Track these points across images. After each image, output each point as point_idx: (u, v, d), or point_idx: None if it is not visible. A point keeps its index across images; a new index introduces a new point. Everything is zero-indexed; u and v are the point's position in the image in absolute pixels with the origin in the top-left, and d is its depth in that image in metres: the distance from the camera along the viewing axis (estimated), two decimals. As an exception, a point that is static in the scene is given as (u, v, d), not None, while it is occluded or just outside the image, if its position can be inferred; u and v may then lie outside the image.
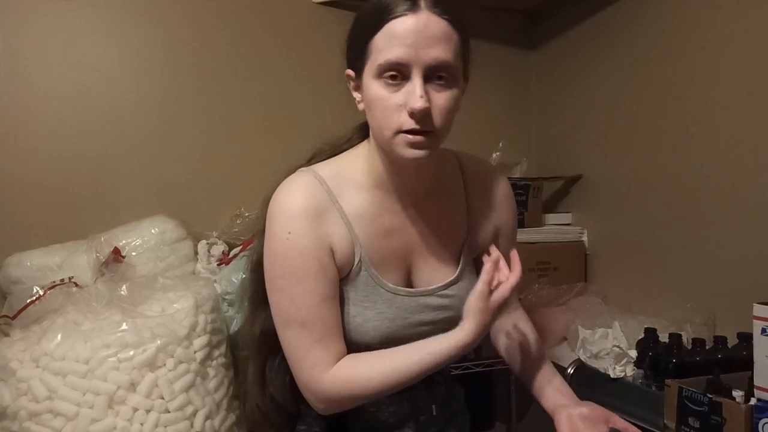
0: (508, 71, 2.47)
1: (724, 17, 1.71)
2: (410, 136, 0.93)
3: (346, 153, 1.09)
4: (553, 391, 1.11)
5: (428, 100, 0.91)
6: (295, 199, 1.00)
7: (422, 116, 0.91)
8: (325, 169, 1.04)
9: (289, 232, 0.98)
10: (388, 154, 0.99)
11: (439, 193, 1.08)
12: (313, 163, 1.09)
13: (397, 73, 0.92)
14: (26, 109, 1.93)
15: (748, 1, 1.64)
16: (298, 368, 1.01)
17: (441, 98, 0.93)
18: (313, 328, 0.99)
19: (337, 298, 1.02)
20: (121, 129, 2.02)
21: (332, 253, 1.01)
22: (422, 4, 0.91)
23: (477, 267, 1.15)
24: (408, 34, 0.90)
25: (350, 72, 1.01)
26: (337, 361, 1.00)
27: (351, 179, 1.04)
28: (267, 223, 1.02)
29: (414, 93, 0.90)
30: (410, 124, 0.92)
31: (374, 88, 0.94)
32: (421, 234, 1.07)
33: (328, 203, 1.01)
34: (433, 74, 0.92)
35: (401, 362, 0.98)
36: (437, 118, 0.93)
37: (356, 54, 0.97)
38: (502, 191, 1.15)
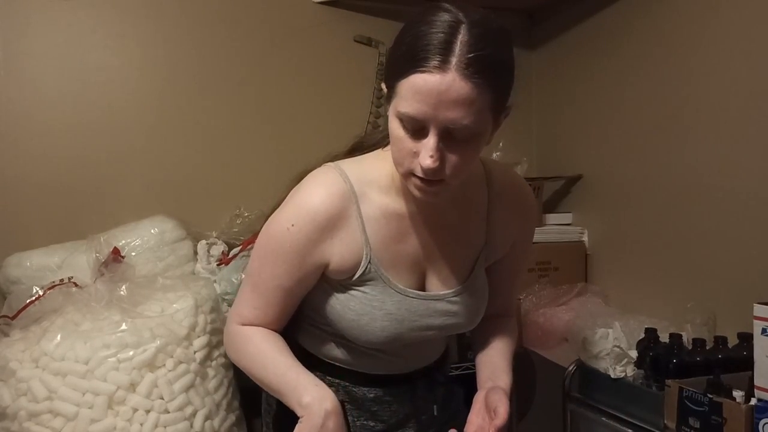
0: (508, 71, 2.47)
1: (723, 17, 1.71)
2: (419, 183, 0.93)
3: (374, 154, 1.09)
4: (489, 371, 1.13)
5: (440, 157, 0.90)
6: (315, 198, 1.01)
7: (431, 172, 0.90)
8: (353, 168, 1.04)
9: (293, 224, 1.00)
10: None
11: (460, 202, 1.07)
12: (355, 155, 1.10)
13: (414, 125, 0.90)
14: (26, 109, 1.93)
15: (748, 1, 1.64)
16: (233, 307, 1.11)
17: (455, 155, 0.91)
18: (258, 297, 1.06)
19: (297, 292, 1.06)
20: (121, 129, 2.02)
21: (324, 265, 1.02)
22: (453, 62, 0.85)
23: (487, 275, 1.15)
24: (429, 94, 0.86)
25: (384, 88, 0.99)
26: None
27: (375, 181, 1.04)
28: (284, 202, 1.04)
29: (427, 150, 0.89)
30: (420, 172, 0.92)
31: (394, 125, 0.93)
32: (437, 240, 1.07)
33: (347, 205, 1.01)
34: (450, 132, 0.90)
35: (265, 370, 1.04)
36: (449, 170, 0.91)
37: (387, 80, 0.95)
38: (527, 204, 1.15)
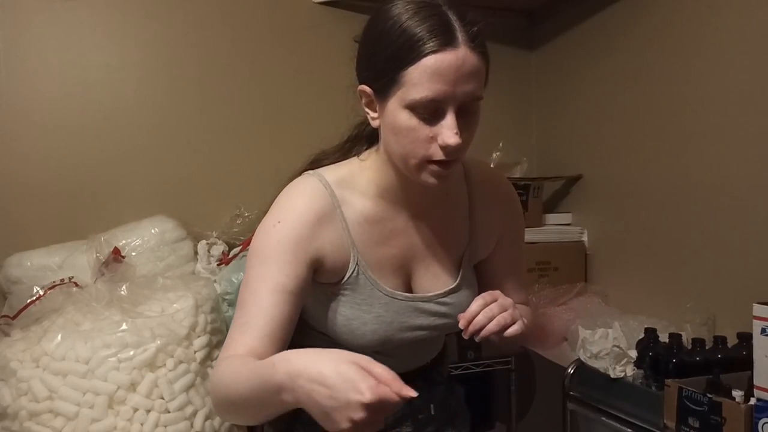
0: (508, 71, 2.47)
1: (723, 17, 1.71)
2: (437, 168, 0.94)
3: (353, 160, 1.08)
4: None
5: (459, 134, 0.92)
6: (297, 201, 1.01)
7: (454, 150, 0.92)
8: (332, 173, 1.04)
9: (279, 221, 0.99)
10: (406, 175, 0.99)
11: (442, 202, 1.08)
12: (317, 167, 1.08)
13: (431, 108, 0.91)
14: (26, 109, 1.93)
15: (748, 1, 1.64)
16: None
17: (468, 130, 0.94)
18: (244, 311, 0.95)
19: (292, 298, 0.95)
20: (121, 129, 2.02)
21: (317, 263, 1.00)
22: (460, 38, 0.89)
23: (477, 274, 1.15)
24: (448, 71, 0.88)
25: (367, 90, 0.98)
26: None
27: (356, 187, 1.04)
28: (264, 217, 1.02)
29: (450, 129, 0.91)
30: (440, 155, 0.92)
31: (403, 117, 0.92)
32: (421, 242, 1.07)
33: (330, 208, 1.01)
34: (464, 107, 0.92)
35: (247, 381, 0.85)
36: (464, 148, 0.94)
37: (380, 77, 0.94)
38: (505, 197, 1.15)
